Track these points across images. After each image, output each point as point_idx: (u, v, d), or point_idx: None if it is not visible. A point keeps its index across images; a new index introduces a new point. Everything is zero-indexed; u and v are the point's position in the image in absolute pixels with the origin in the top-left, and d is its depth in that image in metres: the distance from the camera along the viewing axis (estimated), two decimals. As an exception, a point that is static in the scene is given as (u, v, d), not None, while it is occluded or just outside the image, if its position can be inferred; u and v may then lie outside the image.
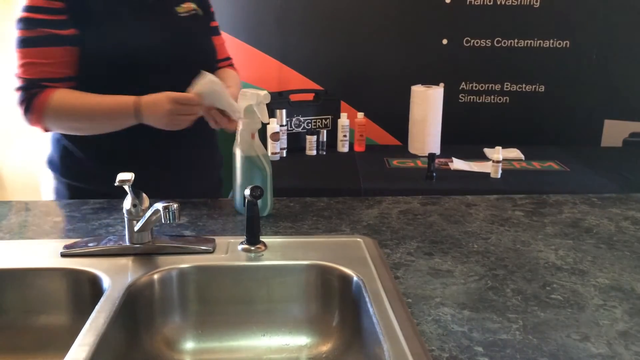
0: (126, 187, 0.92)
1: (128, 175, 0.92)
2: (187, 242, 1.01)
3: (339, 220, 1.18)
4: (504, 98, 2.68)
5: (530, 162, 2.31)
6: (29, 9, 1.19)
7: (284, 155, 2.46)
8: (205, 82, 1.17)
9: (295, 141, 2.52)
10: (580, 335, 0.75)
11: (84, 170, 1.32)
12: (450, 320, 0.78)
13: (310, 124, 2.57)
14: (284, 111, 2.44)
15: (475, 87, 2.67)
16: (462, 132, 2.61)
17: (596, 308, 0.82)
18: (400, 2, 2.60)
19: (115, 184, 0.91)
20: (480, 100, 2.68)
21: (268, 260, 0.97)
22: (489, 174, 2.10)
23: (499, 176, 2.08)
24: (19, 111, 1.21)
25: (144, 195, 0.95)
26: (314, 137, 2.49)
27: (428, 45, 2.63)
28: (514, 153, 2.38)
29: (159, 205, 0.88)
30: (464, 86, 2.67)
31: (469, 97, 2.68)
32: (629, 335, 0.75)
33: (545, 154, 2.39)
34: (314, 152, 2.50)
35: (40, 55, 1.19)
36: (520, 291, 0.87)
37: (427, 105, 2.41)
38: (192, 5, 1.38)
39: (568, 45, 2.60)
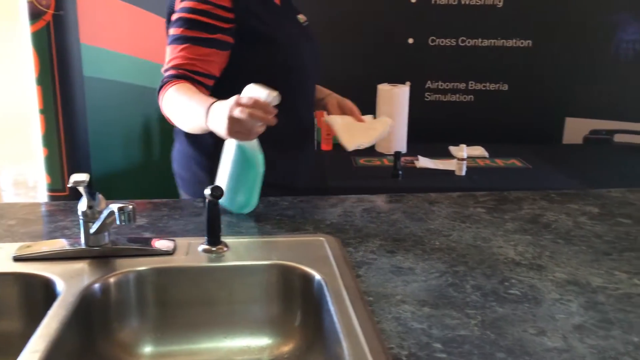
0: (81, 189, 0.90)
1: (83, 177, 0.90)
2: (146, 244, 0.99)
3: (303, 219, 1.17)
4: (469, 97, 2.71)
5: (494, 159, 2.34)
6: (196, 11, 1.23)
7: (251, 154, 2.44)
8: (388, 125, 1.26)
9: (262, 140, 2.50)
10: (536, 330, 0.76)
11: None
12: (410, 318, 0.79)
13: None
14: (250, 110, 2.41)
15: (441, 85, 2.70)
16: (427, 131, 2.62)
17: (553, 302, 0.84)
18: (366, 1, 2.61)
19: (69, 185, 0.89)
20: (446, 99, 2.71)
21: (229, 261, 0.96)
22: (454, 171, 2.13)
23: (463, 174, 2.11)
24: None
25: (100, 196, 0.93)
26: (281, 136, 2.47)
27: (394, 45, 2.64)
28: (478, 151, 2.42)
29: (114, 207, 0.86)
30: (430, 85, 2.70)
31: (434, 96, 2.71)
32: (584, 329, 0.76)
33: (508, 152, 2.43)
34: (281, 152, 2.49)
35: (196, 53, 1.22)
36: (480, 287, 0.88)
37: (393, 104, 2.42)
38: (304, 17, 1.48)
39: (530, 45, 2.65)
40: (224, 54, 1.26)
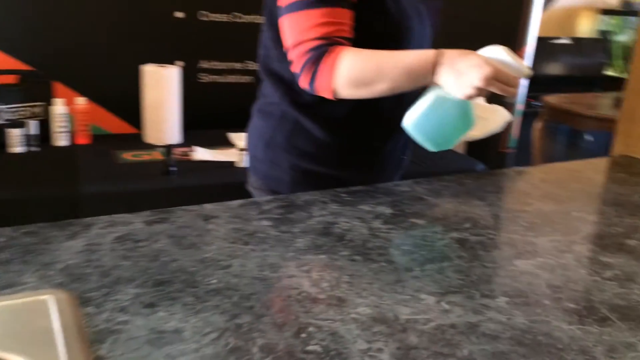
0: None
1: None
2: None
3: (23, 264, 0.82)
4: (248, 77, 2.51)
5: (278, 146, 2.19)
6: None
7: (-23, 155, 1.90)
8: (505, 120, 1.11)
9: (-7, 136, 1.98)
10: (346, 412, 0.57)
11: (315, 149, 1.27)
12: None
13: (14, 114, 2.04)
14: (-30, 98, 1.87)
15: (217, 65, 2.45)
16: (204, 116, 2.36)
17: (360, 357, 0.66)
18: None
19: None
20: (223, 80, 2.47)
21: None
22: (234, 163, 1.91)
23: (244, 164, 1.90)
24: (304, 78, 1.12)
25: None
26: (20, 130, 1.98)
27: (159, 18, 2.30)
28: (261, 137, 2.24)
29: None
30: (204, 65, 2.43)
31: (210, 77, 2.45)
32: (402, 396, 0.60)
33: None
34: (21, 149, 1.99)
35: (334, 15, 1.11)
36: (271, 348, 0.66)
37: (162, 87, 2.10)
38: None
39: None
40: (353, 14, 1.13)
